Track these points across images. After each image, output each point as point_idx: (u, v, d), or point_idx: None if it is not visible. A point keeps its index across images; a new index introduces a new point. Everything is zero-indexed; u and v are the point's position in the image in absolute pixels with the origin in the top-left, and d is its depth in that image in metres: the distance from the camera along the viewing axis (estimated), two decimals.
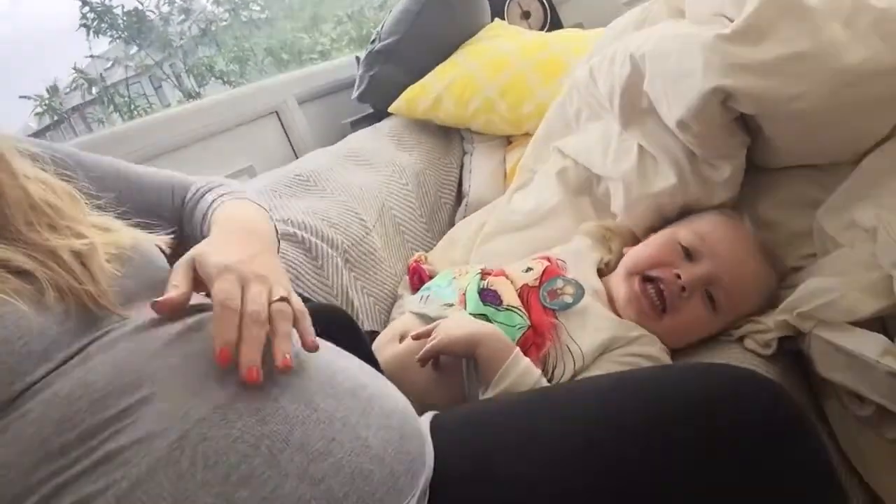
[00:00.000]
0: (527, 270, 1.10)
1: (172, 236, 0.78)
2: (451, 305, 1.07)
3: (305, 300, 1.01)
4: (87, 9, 3.09)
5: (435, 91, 1.73)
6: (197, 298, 0.72)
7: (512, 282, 1.08)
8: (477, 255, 1.33)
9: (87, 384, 0.57)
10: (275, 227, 0.88)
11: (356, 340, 0.89)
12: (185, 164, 1.63)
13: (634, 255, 1.09)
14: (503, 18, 2.10)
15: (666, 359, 1.01)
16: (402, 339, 1.06)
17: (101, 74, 3.27)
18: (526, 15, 2.19)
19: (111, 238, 0.70)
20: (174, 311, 0.63)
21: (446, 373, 0.97)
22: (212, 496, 0.54)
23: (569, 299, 1.04)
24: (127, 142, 1.53)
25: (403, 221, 1.51)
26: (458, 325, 0.98)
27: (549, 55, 1.72)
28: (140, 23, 3.28)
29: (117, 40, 3.28)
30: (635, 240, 1.19)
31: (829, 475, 0.65)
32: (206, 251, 0.68)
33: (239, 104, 1.84)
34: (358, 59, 1.95)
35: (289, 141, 1.92)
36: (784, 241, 1.12)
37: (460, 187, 1.70)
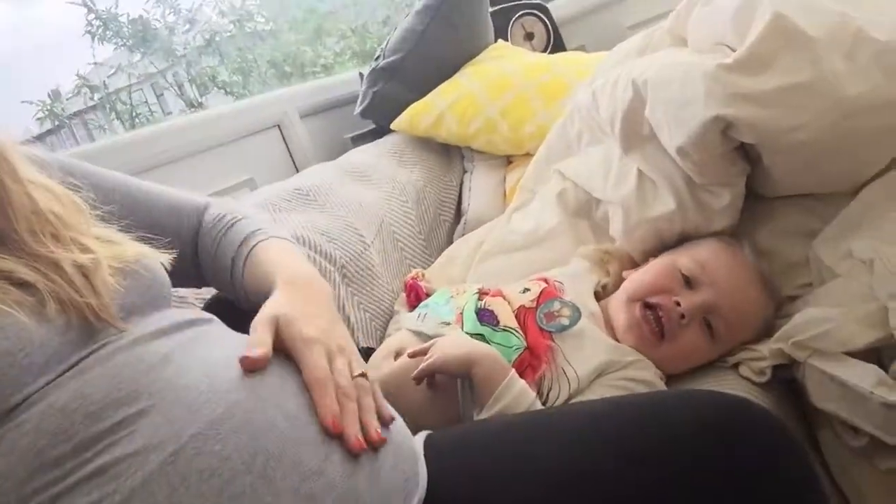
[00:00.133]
0: (524, 291, 1.10)
1: (174, 254, 0.78)
2: (449, 324, 1.07)
3: None
4: (92, 16, 3.10)
5: (437, 109, 1.74)
6: (191, 314, 0.73)
7: (509, 302, 1.08)
8: (474, 274, 1.33)
9: (84, 396, 0.57)
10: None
11: None
12: (185, 175, 1.63)
13: (635, 281, 1.10)
14: (507, 39, 2.11)
15: (660, 384, 1.01)
16: (397, 356, 1.06)
17: (104, 81, 3.28)
18: (529, 36, 2.20)
19: (115, 251, 0.70)
20: (260, 369, 0.65)
21: (442, 392, 0.97)
22: None
23: (565, 322, 1.04)
24: (128, 152, 1.53)
25: (402, 238, 1.51)
26: (455, 344, 0.98)
27: (552, 77, 1.73)
28: (145, 31, 3.29)
29: (121, 48, 3.29)
30: (633, 264, 1.19)
31: None
32: (292, 316, 0.70)
33: (241, 116, 1.85)
34: (361, 74, 1.96)
35: (290, 155, 1.92)
36: (781, 270, 1.12)
37: (459, 205, 1.70)
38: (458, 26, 1.89)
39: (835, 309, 0.96)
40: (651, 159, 1.16)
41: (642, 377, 0.99)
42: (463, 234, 1.58)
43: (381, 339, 1.28)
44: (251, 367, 0.64)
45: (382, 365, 1.06)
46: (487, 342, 1.01)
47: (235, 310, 0.91)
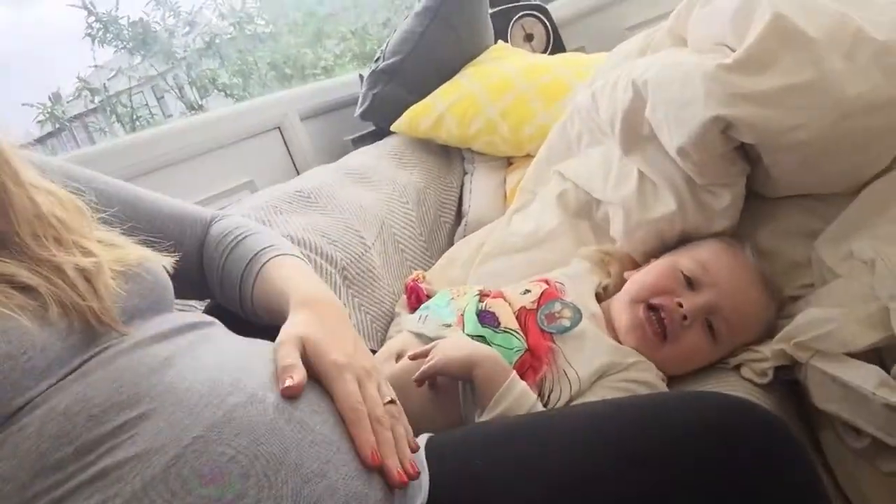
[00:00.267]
0: (525, 293, 1.10)
1: (177, 258, 0.78)
2: (450, 326, 1.07)
3: None
4: (92, 19, 3.10)
5: (437, 111, 1.74)
6: (192, 317, 0.72)
7: (510, 304, 1.08)
8: (475, 276, 1.33)
9: (86, 399, 0.57)
10: None
11: None
12: (186, 177, 1.63)
13: (636, 282, 1.09)
14: (506, 41, 2.11)
15: (662, 385, 1.01)
16: (398, 358, 1.06)
17: (104, 84, 3.28)
18: (529, 38, 2.21)
19: (117, 254, 0.70)
20: (299, 395, 0.65)
21: (443, 394, 0.97)
22: None
23: (566, 323, 1.04)
24: (128, 154, 1.53)
25: (403, 240, 1.51)
26: (456, 345, 0.98)
27: (552, 78, 1.73)
28: (145, 34, 3.29)
29: (122, 50, 3.29)
30: (634, 265, 1.19)
31: None
32: (317, 338, 0.71)
33: (241, 119, 1.85)
34: (361, 76, 1.96)
35: (290, 157, 1.92)
36: (782, 270, 1.12)
37: (460, 207, 1.70)
38: (457, 28, 1.89)
39: (836, 309, 0.96)
40: (651, 160, 1.16)
41: (644, 379, 0.99)
42: (464, 236, 1.58)
43: (382, 341, 1.28)
44: (293, 395, 0.64)
45: (384, 367, 1.06)
46: (488, 344, 1.00)
47: (237, 313, 0.91)
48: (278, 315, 0.79)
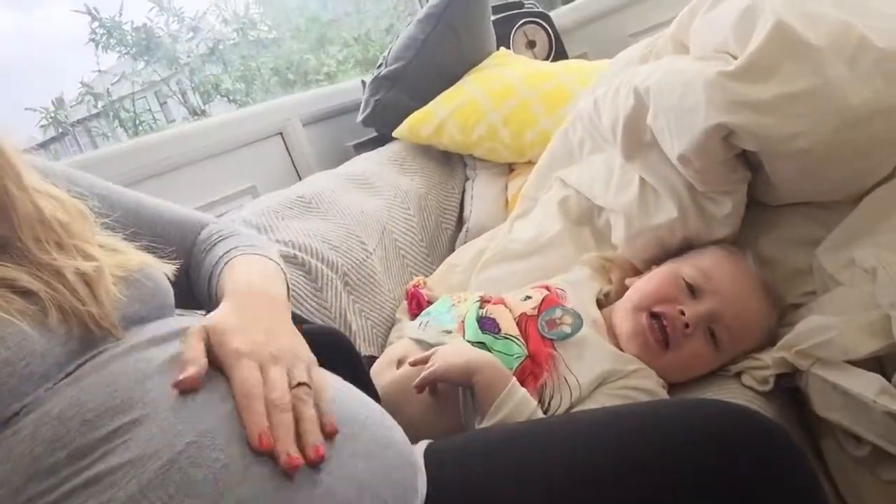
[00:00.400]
0: (525, 299, 1.10)
1: (178, 264, 0.78)
2: (450, 332, 1.07)
3: (303, 322, 1.01)
4: (96, 24, 3.11)
5: (439, 117, 1.75)
6: (189, 321, 0.72)
7: (510, 310, 1.08)
8: (476, 282, 1.33)
9: (80, 404, 0.57)
10: (286, 278, 0.87)
11: (353, 364, 0.89)
12: (188, 182, 1.64)
13: (638, 290, 1.09)
14: (509, 47, 2.11)
15: (662, 393, 1.01)
16: (399, 364, 1.06)
17: (107, 89, 3.29)
18: (531, 44, 2.21)
19: (118, 259, 0.70)
20: (197, 388, 0.62)
21: (443, 400, 0.97)
22: None
23: (567, 329, 1.03)
24: (131, 159, 1.53)
25: (404, 246, 1.51)
26: (456, 352, 0.98)
27: (554, 85, 1.74)
28: (149, 39, 3.30)
29: (125, 56, 3.30)
30: (635, 272, 1.19)
31: None
32: (223, 328, 0.66)
33: (244, 124, 1.85)
34: (363, 82, 1.97)
35: (292, 162, 1.92)
36: (784, 278, 1.12)
37: (461, 213, 1.71)
38: (460, 34, 1.89)
39: (838, 317, 0.96)
40: (653, 167, 1.16)
41: (644, 386, 0.99)
42: (465, 242, 1.58)
43: (382, 347, 1.28)
44: (184, 388, 0.60)
45: (385, 373, 1.06)
46: (489, 350, 1.00)
47: None
48: None
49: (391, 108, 1.85)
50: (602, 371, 0.99)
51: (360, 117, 1.92)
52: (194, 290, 0.91)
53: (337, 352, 0.86)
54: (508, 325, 1.05)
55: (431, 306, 1.20)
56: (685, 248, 1.15)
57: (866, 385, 0.89)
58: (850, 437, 0.93)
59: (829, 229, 1.09)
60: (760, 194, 1.15)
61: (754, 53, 1.01)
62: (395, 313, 1.35)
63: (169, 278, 0.76)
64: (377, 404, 0.74)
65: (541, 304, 1.08)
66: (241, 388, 0.61)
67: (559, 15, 2.37)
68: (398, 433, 0.72)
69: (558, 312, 1.06)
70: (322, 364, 0.71)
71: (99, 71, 3.25)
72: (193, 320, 0.74)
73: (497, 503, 0.69)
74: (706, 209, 1.13)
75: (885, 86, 0.97)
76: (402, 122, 1.78)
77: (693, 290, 1.04)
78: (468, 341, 1.03)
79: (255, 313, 0.72)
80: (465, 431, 0.94)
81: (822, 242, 1.08)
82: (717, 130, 1.01)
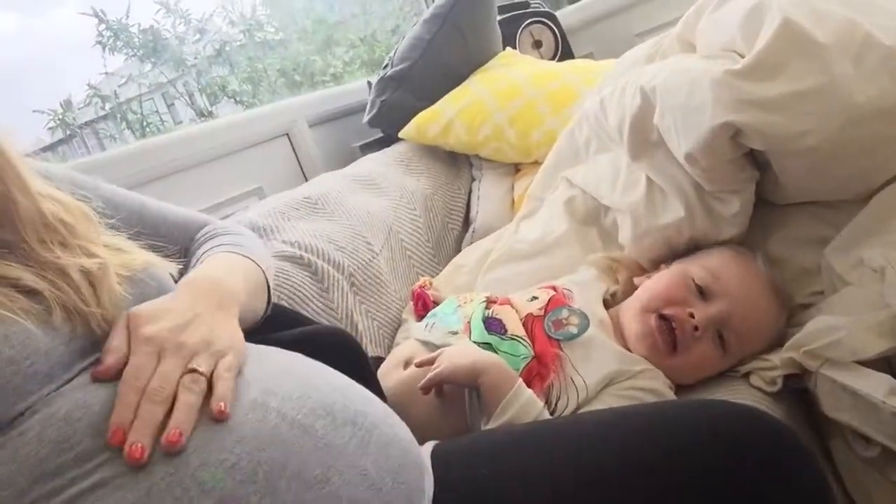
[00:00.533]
0: (532, 299, 1.10)
1: (182, 264, 0.78)
2: (456, 333, 1.07)
3: (310, 322, 1.01)
4: (103, 26, 3.12)
5: (446, 117, 1.74)
6: None
7: (517, 311, 1.08)
8: (482, 283, 1.33)
9: (87, 406, 0.57)
10: (264, 276, 0.86)
11: (360, 364, 0.89)
12: (195, 184, 1.64)
13: (648, 290, 1.08)
14: (515, 47, 2.11)
15: (669, 393, 1.00)
16: (406, 365, 1.06)
17: (115, 91, 3.30)
18: (537, 44, 2.20)
19: (123, 259, 0.70)
20: (113, 378, 0.61)
21: (449, 402, 0.97)
22: None
23: (574, 330, 1.03)
24: (138, 161, 1.54)
25: (410, 246, 1.51)
26: (462, 353, 0.97)
27: (560, 85, 1.73)
28: (155, 41, 3.31)
29: (132, 58, 3.31)
30: (642, 272, 1.18)
31: None
32: (140, 315, 0.65)
33: (250, 126, 1.86)
34: (369, 83, 1.97)
35: (298, 163, 1.93)
36: (792, 277, 1.11)
37: (468, 214, 1.70)
38: (466, 34, 1.89)
39: (846, 317, 0.95)
40: (659, 166, 1.16)
41: (651, 387, 0.99)
42: (471, 243, 1.58)
43: (388, 348, 1.28)
44: (97, 377, 0.60)
45: (392, 374, 1.06)
46: (495, 351, 1.00)
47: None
48: None
49: (397, 109, 1.85)
50: (609, 372, 0.99)
51: (366, 118, 1.92)
52: None
53: (344, 352, 0.86)
54: (515, 326, 1.05)
55: (438, 307, 1.20)
56: (693, 247, 1.14)
57: (875, 386, 0.88)
58: (859, 437, 0.92)
59: (838, 229, 1.08)
60: (768, 193, 1.15)
61: (762, 51, 1.00)
62: (402, 314, 1.35)
63: (173, 277, 0.76)
64: (384, 404, 0.74)
65: (547, 304, 1.08)
66: (124, 376, 0.60)
67: (565, 15, 2.36)
68: (405, 433, 0.72)
69: (565, 313, 1.06)
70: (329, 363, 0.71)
71: (106, 73, 3.25)
72: None
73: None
74: (714, 209, 1.12)
75: (891, 83, 0.97)
76: (407, 122, 1.78)
77: (702, 292, 1.03)
78: (474, 342, 1.03)
79: (187, 302, 0.69)
80: (471, 433, 0.93)
81: (830, 242, 1.08)
82: (724, 129, 1.01)
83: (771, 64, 1.00)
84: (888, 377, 0.89)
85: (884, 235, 1.01)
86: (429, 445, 0.79)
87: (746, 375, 1.02)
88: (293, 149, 1.93)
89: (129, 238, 0.76)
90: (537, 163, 1.60)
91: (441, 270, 1.48)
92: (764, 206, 1.16)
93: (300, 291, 1.21)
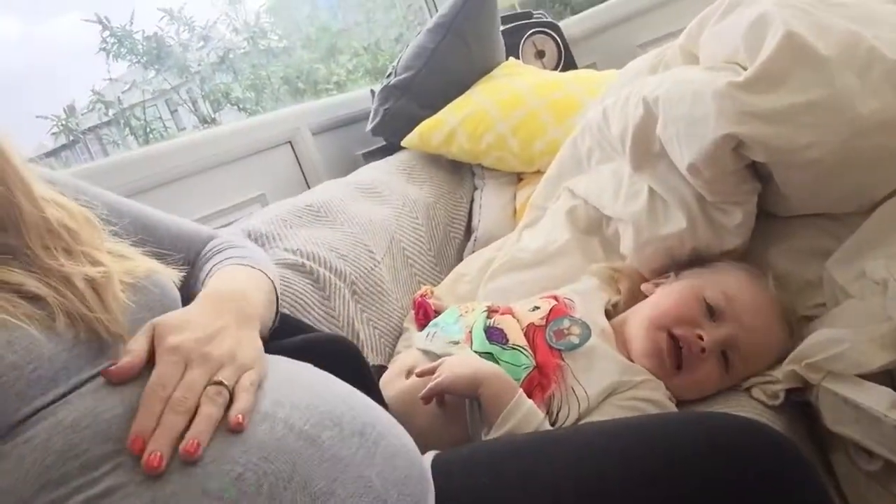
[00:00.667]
0: (533, 309, 1.10)
1: (185, 271, 0.78)
2: (457, 343, 1.07)
3: (311, 330, 1.01)
4: (107, 33, 3.13)
5: (448, 126, 1.75)
6: None
7: (518, 320, 1.08)
8: (484, 292, 1.33)
9: (94, 414, 0.57)
10: (274, 289, 0.86)
11: (361, 372, 0.89)
12: (198, 190, 1.64)
13: (659, 307, 1.07)
14: (518, 57, 2.12)
15: (670, 405, 1.00)
16: (408, 375, 1.06)
17: (118, 97, 3.31)
18: (540, 54, 2.21)
19: (126, 266, 0.70)
20: (125, 380, 0.61)
21: (450, 411, 0.97)
22: None
23: (575, 340, 1.03)
24: (141, 167, 1.54)
25: (412, 255, 1.51)
26: (463, 363, 0.97)
27: (563, 95, 1.74)
28: (159, 48, 3.32)
29: (136, 64, 3.32)
30: (644, 281, 1.18)
31: None
32: (167, 324, 0.66)
33: (253, 133, 1.86)
34: (373, 92, 1.97)
35: (301, 171, 1.93)
36: (795, 290, 1.11)
37: (470, 222, 1.70)
38: (469, 44, 1.90)
39: (848, 330, 0.95)
40: (662, 177, 1.16)
41: (653, 397, 0.98)
42: (473, 252, 1.58)
43: (389, 356, 1.27)
44: (109, 377, 0.61)
45: (394, 384, 1.06)
46: (496, 361, 1.00)
47: None
48: None
49: (400, 118, 1.85)
50: (611, 382, 0.98)
51: (369, 126, 1.93)
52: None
53: (345, 360, 0.86)
54: (516, 336, 1.04)
55: (439, 317, 1.20)
56: (694, 258, 1.14)
57: (877, 399, 0.88)
58: (862, 451, 0.92)
59: (841, 241, 1.08)
60: (771, 205, 1.15)
61: (765, 63, 1.01)
62: (403, 322, 1.35)
63: (176, 284, 0.77)
64: (388, 414, 0.74)
65: (549, 314, 1.07)
66: (149, 385, 0.60)
67: (568, 25, 2.37)
68: (410, 443, 0.72)
69: (566, 323, 1.05)
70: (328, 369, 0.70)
71: (110, 79, 3.26)
72: None
73: None
74: (716, 220, 1.12)
75: (894, 96, 0.97)
76: (410, 131, 1.78)
77: (713, 313, 1.02)
78: (475, 352, 1.03)
79: (212, 314, 0.70)
80: (472, 442, 0.93)
81: (832, 254, 1.08)
82: (726, 141, 1.01)
83: (774, 76, 1.00)
84: (890, 391, 0.88)
85: (886, 248, 1.01)
86: (430, 455, 0.79)
87: (748, 389, 1.02)
88: (296, 156, 1.93)
89: (132, 245, 0.76)
90: (540, 172, 1.61)
91: (443, 279, 1.48)
92: (767, 218, 1.16)
93: (302, 299, 1.21)
